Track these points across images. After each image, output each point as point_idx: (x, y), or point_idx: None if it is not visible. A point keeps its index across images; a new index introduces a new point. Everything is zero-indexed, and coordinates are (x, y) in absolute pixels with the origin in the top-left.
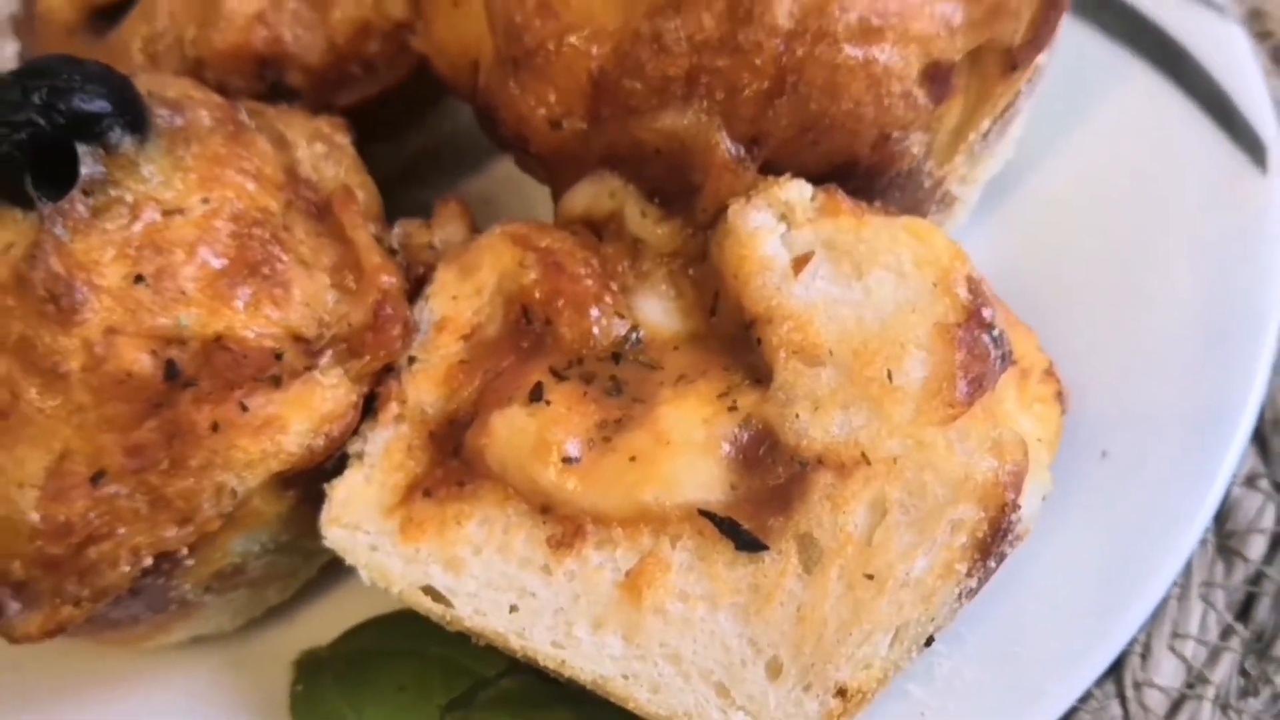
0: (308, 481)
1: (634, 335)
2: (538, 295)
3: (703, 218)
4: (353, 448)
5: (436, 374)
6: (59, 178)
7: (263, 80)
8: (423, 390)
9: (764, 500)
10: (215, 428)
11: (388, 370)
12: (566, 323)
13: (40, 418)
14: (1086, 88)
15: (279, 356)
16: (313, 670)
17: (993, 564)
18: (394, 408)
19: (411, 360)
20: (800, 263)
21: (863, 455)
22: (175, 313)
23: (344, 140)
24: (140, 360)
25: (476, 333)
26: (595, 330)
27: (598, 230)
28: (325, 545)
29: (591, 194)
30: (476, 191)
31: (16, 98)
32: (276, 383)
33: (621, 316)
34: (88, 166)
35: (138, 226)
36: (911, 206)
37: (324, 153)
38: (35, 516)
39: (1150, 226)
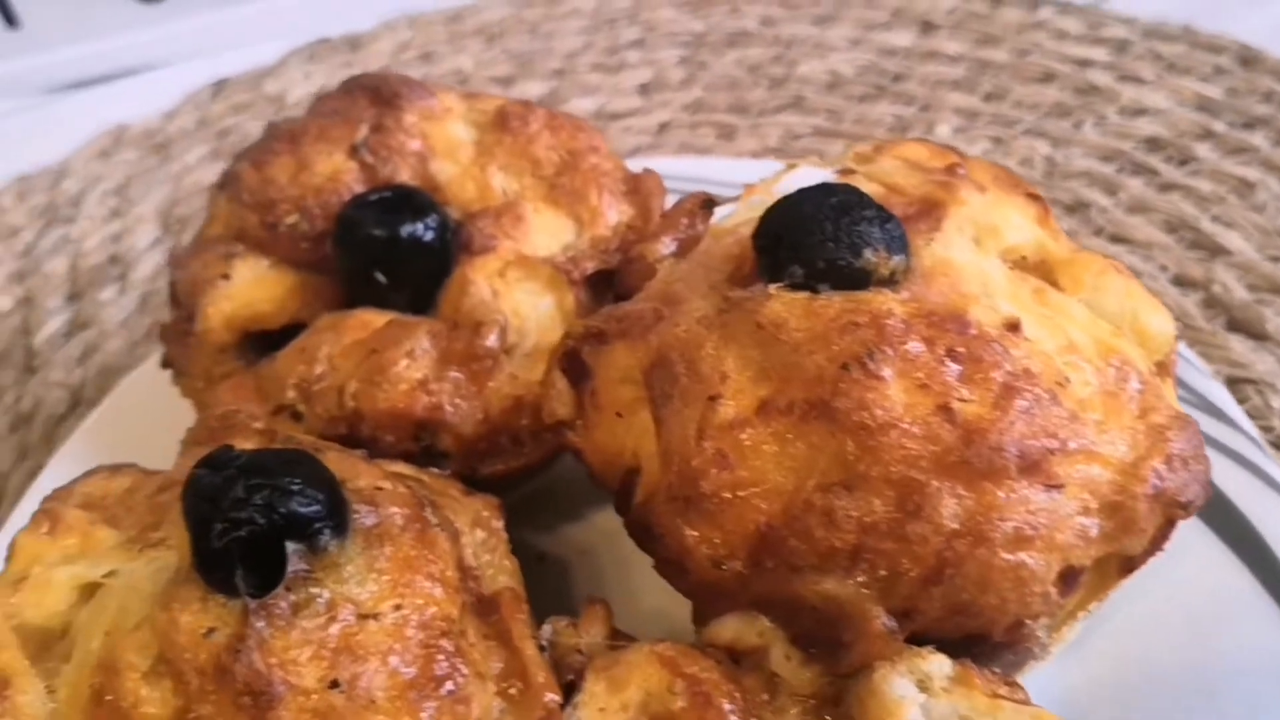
0: None
1: None
2: None
3: (845, 669)
4: None
5: None
6: (263, 568)
7: (416, 442)
8: None
9: None
10: None
11: None
12: None
13: None
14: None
15: None
16: None
17: None
18: None
19: None
20: None
21: None
22: (364, 718)
23: (498, 524)
24: None
25: None
26: None
27: (736, 657)
28: None
29: (740, 629)
30: (577, 541)
31: (240, 495)
32: None
33: None
34: (293, 564)
35: (334, 629)
36: (1019, 661)
37: (483, 539)
38: None
39: (1212, 697)
